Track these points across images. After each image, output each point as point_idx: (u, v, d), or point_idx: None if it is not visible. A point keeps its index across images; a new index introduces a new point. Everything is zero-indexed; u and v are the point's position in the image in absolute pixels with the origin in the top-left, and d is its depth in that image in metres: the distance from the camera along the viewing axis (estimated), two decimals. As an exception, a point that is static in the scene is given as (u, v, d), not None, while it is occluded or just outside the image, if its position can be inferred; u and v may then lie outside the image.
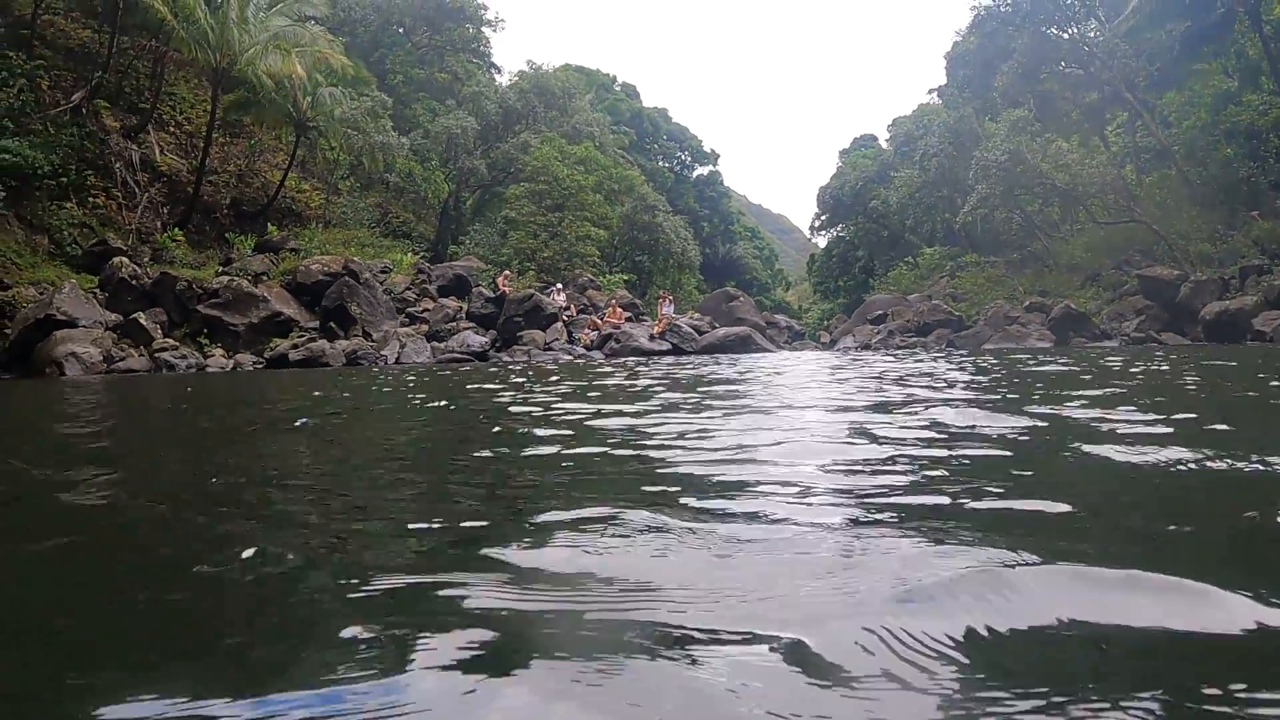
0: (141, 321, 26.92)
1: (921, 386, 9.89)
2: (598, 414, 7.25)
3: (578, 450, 4.97)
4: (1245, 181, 37.74)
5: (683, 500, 3.22)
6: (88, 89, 34.38)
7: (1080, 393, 8.31)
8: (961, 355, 23.43)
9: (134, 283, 28.64)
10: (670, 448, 4.78)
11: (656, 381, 12.41)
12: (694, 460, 4.26)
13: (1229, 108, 39.36)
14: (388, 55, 56.83)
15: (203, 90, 39.29)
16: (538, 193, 47.39)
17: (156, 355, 25.50)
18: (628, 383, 12.52)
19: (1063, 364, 15.15)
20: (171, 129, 39.80)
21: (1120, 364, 14.34)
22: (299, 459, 5.31)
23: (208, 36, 33.88)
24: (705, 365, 19.07)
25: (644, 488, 3.58)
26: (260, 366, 26.41)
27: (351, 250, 36.01)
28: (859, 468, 3.94)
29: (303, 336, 28.48)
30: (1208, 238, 36.27)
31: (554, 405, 8.44)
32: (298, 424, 7.57)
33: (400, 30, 58.96)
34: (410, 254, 40.44)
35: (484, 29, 63.62)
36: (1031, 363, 16.03)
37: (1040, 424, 5.55)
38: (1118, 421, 5.47)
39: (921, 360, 19.15)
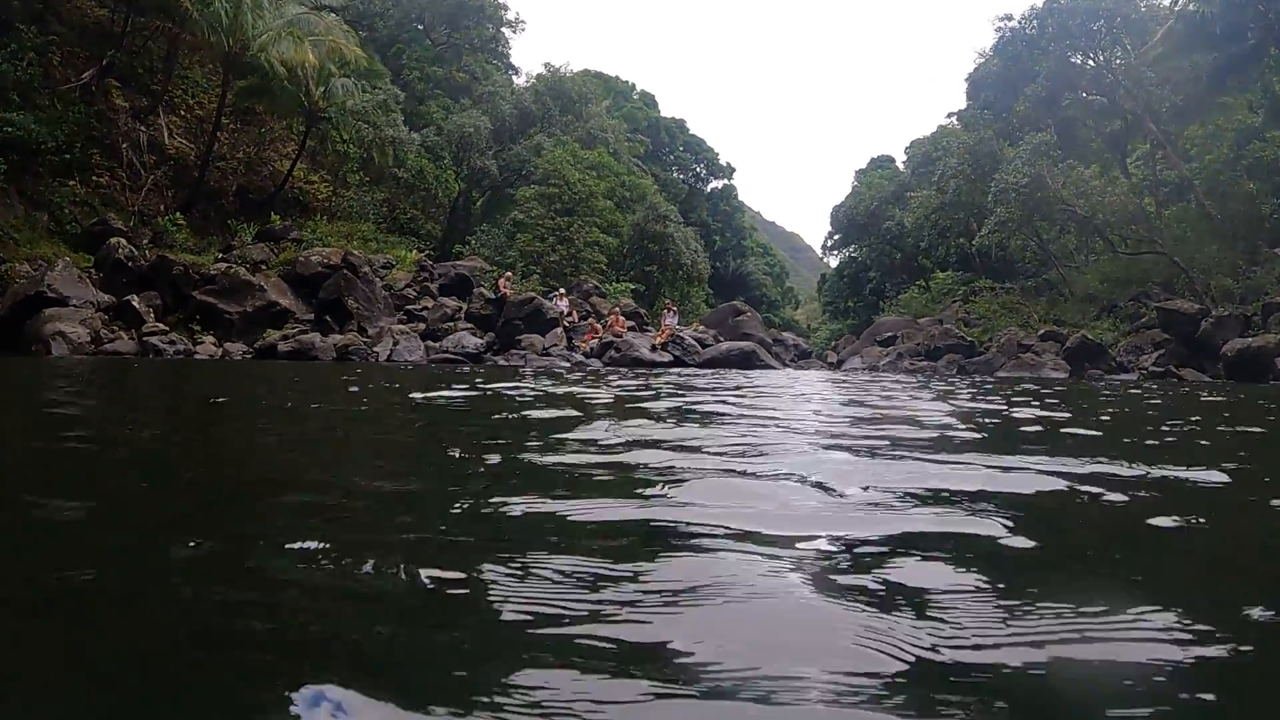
0: (134, 304, 26.52)
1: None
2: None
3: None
4: (1268, 218, 37.28)
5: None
6: (99, 67, 34.07)
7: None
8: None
9: (130, 264, 28.32)
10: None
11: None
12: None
13: (1253, 143, 38.90)
14: (405, 51, 56.42)
15: (216, 75, 38.83)
16: (548, 196, 46.91)
17: (145, 339, 25.10)
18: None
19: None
20: (182, 112, 39.47)
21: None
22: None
23: (221, 20, 33.49)
24: (687, 383, 18.41)
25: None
26: (250, 356, 26.01)
27: (354, 244, 35.63)
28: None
29: (295, 328, 28.06)
30: (1229, 272, 35.80)
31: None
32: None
33: (419, 27, 58.54)
34: (415, 251, 40.06)
35: (504, 29, 63.27)
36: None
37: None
38: None
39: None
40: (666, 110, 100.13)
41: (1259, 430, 9.28)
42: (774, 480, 4.09)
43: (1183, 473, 4.66)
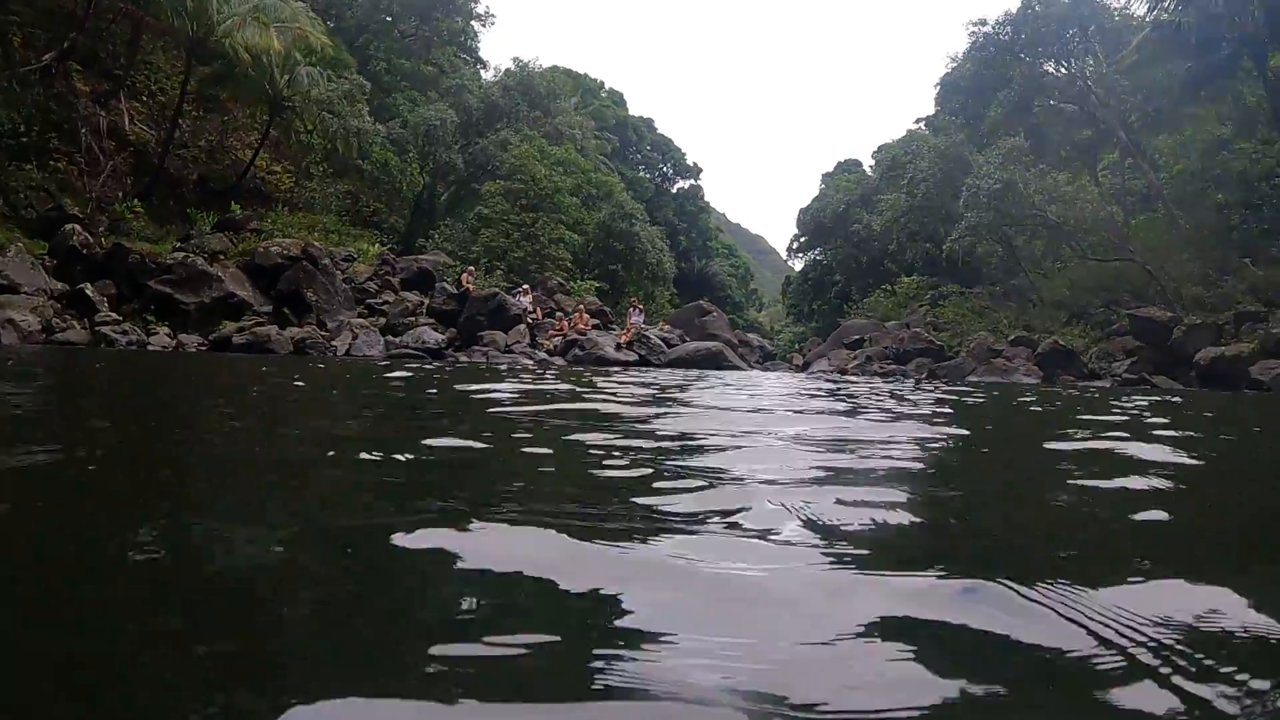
0: (88, 293, 25.92)
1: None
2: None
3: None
4: (1237, 228, 37.30)
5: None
6: (60, 50, 33.43)
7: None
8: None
9: (85, 252, 27.70)
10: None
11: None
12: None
13: (1222, 154, 38.98)
14: (372, 42, 55.82)
15: (179, 60, 38.28)
16: (513, 191, 46.55)
17: (97, 329, 24.54)
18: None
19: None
20: (144, 98, 38.92)
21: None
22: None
23: (185, 4, 32.97)
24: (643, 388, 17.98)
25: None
26: (204, 349, 25.47)
27: (316, 236, 35.06)
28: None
29: (252, 320, 27.54)
30: (1200, 281, 35.75)
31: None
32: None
33: (388, 18, 57.89)
34: (377, 244, 39.60)
35: (473, 23, 62.84)
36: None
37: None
38: None
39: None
40: (635, 109, 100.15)
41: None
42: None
43: None
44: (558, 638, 1.76)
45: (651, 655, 1.66)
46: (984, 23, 50.04)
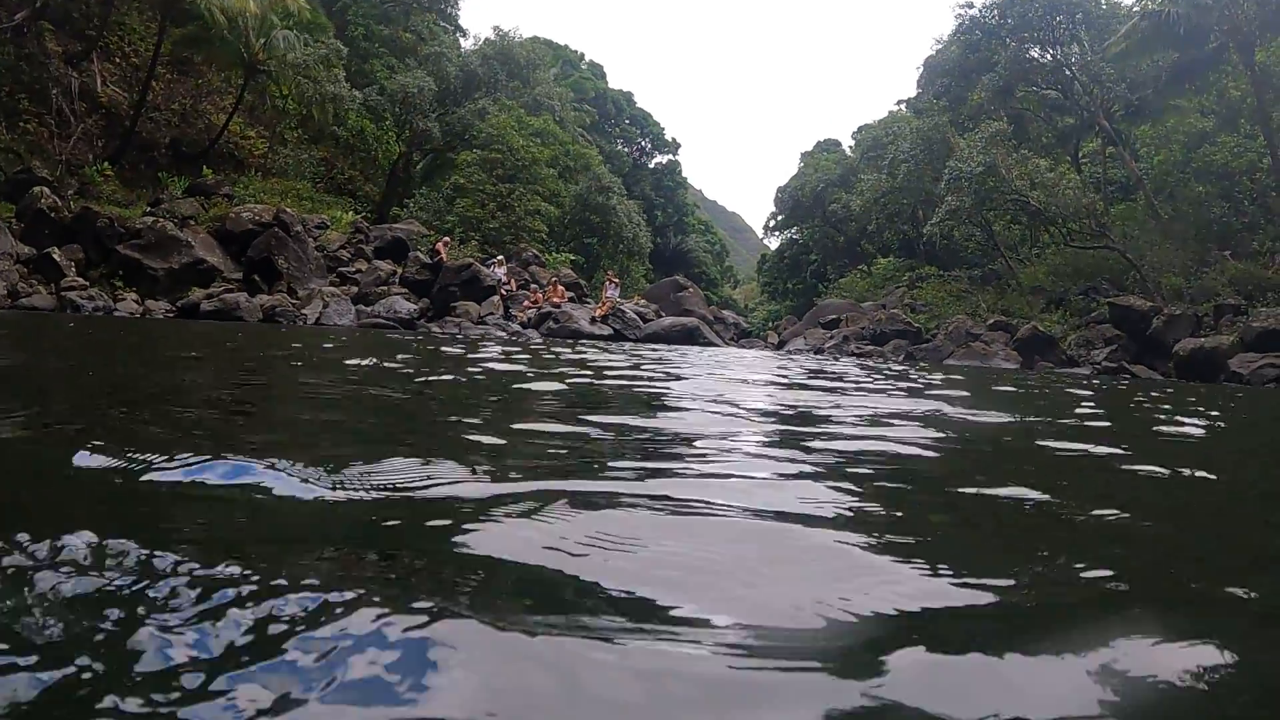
0: (54, 257, 25.58)
1: None
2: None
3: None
4: (1217, 221, 37.27)
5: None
6: (33, 9, 32.91)
7: None
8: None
9: (53, 215, 27.34)
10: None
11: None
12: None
13: (1203, 146, 38.94)
14: (351, 7, 55.19)
15: (153, 22, 37.86)
16: (490, 161, 46.10)
17: (63, 294, 24.18)
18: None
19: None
20: (117, 60, 38.49)
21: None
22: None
23: (159, -37, 32.59)
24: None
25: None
26: (173, 315, 25.12)
27: (288, 202, 34.70)
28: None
29: (221, 287, 27.18)
30: (1179, 272, 35.70)
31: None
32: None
33: (367, -19, 57.35)
34: (351, 212, 39.25)
35: (454, -11, 62.24)
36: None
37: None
38: None
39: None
40: (614, 82, 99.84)
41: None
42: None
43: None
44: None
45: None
46: (971, 5, 49.92)
